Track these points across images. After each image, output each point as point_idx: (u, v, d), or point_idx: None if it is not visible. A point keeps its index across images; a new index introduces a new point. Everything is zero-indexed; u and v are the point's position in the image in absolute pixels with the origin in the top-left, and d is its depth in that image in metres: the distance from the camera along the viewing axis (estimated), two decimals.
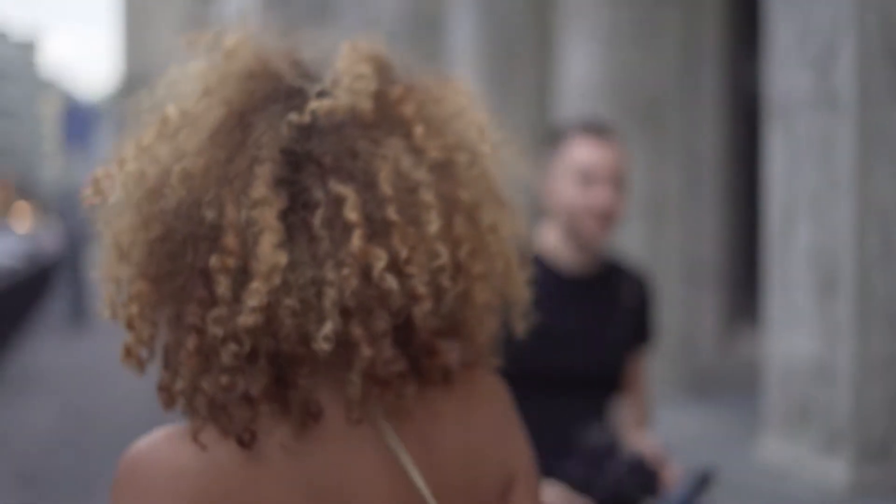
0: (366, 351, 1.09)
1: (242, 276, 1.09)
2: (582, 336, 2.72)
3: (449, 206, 1.15)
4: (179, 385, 1.12)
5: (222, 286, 1.09)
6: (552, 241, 2.71)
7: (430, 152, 1.16)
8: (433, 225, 1.12)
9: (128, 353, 1.16)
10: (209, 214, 1.10)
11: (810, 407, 5.89)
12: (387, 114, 1.17)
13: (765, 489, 5.90)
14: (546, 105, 11.21)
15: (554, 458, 2.59)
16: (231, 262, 1.09)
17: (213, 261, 1.08)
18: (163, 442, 1.13)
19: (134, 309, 1.14)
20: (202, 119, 1.15)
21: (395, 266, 1.09)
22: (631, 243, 8.65)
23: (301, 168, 1.12)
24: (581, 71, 9.04)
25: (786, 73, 6.10)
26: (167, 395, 1.14)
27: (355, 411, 1.11)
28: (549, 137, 2.75)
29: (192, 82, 1.20)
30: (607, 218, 2.65)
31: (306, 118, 1.14)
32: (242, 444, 1.10)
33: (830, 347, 5.72)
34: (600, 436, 2.60)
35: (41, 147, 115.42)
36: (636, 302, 2.83)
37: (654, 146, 8.91)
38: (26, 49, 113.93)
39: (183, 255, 1.11)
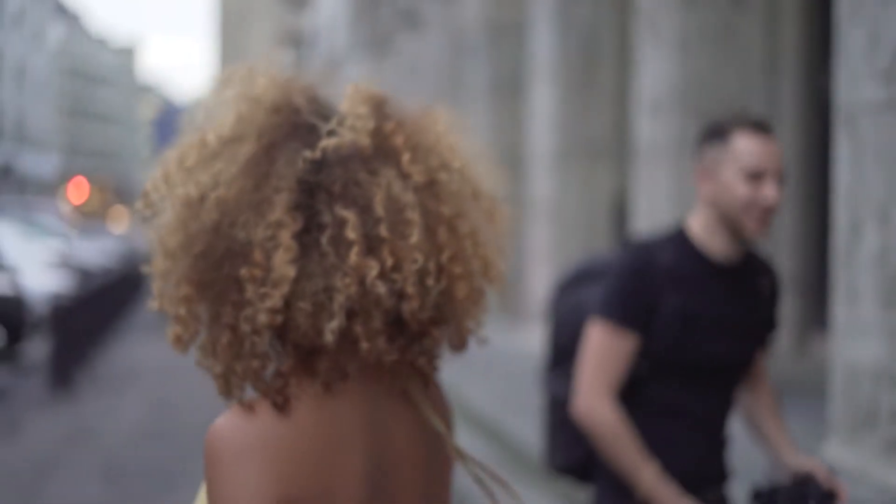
0: (364, 345, 1.39)
1: (265, 284, 1.36)
2: (729, 324, 2.79)
3: (432, 220, 1.42)
4: (217, 369, 1.42)
5: (250, 292, 1.37)
6: (702, 228, 2.80)
7: (415, 176, 1.43)
8: (415, 237, 1.38)
9: (177, 340, 1.49)
10: (241, 234, 1.37)
11: (875, 412, 5.93)
12: (382, 146, 1.45)
13: None
14: (626, 109, 11.28)
15: (691, 447, 2.72)
16: (257, 272, 1.36)
17: (244, 271, 1.36)
18: (234, 416, 1.42)
19: (182, 309, 1.44)
20: (235, 149, 1.41)
21: (384, 274, 1.37)
22: None
23: (314, 195, 1.39)
24: (654, 77, 9.11)
25: (853, 81, 6.14)
26: (222, 382, 1.44)
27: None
28: (712, 132, 2.82)
29: (228, 109, 1.45)
30: (771, 213, 2.74)
31: (318, 154, 1.40)
32: (277, 406, 1.40)
33: (895, 354, 5.75)
34: (786, 474, 2.76)
35: (138, 151, 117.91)
36: (770, 292, 2.93)
37: None
38: (125, 55, 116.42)
39: (220, 267, 1.39)
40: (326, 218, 1.37)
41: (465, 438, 8.49)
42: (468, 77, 16.71)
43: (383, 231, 1.37)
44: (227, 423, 1.41)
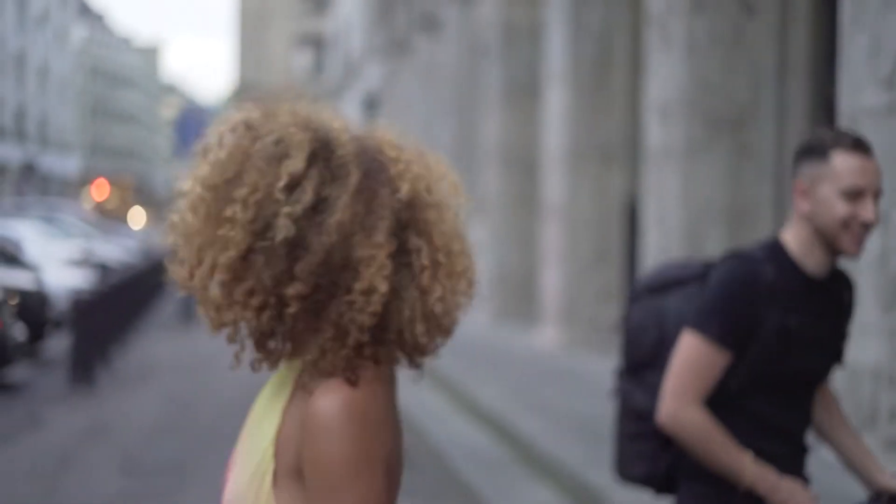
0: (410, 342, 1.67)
1: (368, 294, 1.61)
2: (820, 339, 2.81)
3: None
4: (314, 354, 1.62)
5: (357, 299, 1.61)
6: (799, 243, 2.81)
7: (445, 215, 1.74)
8: (462, 263, 1.71)
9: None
10: (352, 251, 1.62)
11: (875, 412, 6.05)
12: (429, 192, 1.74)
13: (835, 487, 6.08)
14: (638, 112, 11.39)
15: (779, 460, 2.75)
16: (366, 284, 1.61)
17: (357, 284, 1.61)
18: (348, 391, 1.59)
19: (294, 306, 1.63)
20: (344, 178, 1.65)
21: (444, 295, 1.67)
22: (715, 254, 8.83)
23: (405, 227, 1.66)
24: (664, 81, 9.23)
25: (855, 86, 6.26)
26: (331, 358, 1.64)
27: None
28: (810, 149, 2.78)
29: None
30: (869, 231, 2.75)
31: (405, 197, 1.67)
32: (350, 382, 1.59)
33: (895, 355, 5.88)
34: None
35: (160, 151, 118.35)
36: (850, 305, 2.95)
37: (740, 157, 9.05)
38: (147, 55, 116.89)
39: (331, 274, 1.62)
40: (412, 244, 1.65)
41: (475, 435, 8.64)
42: (483, 80, 16.84)
43: (441, 258, 1.67)
44: (346, 396, 1.58)
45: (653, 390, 2.86)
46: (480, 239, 17.14)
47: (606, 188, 12.32)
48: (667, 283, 2.97)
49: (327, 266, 1.61)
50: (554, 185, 12.66)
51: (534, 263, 15.05)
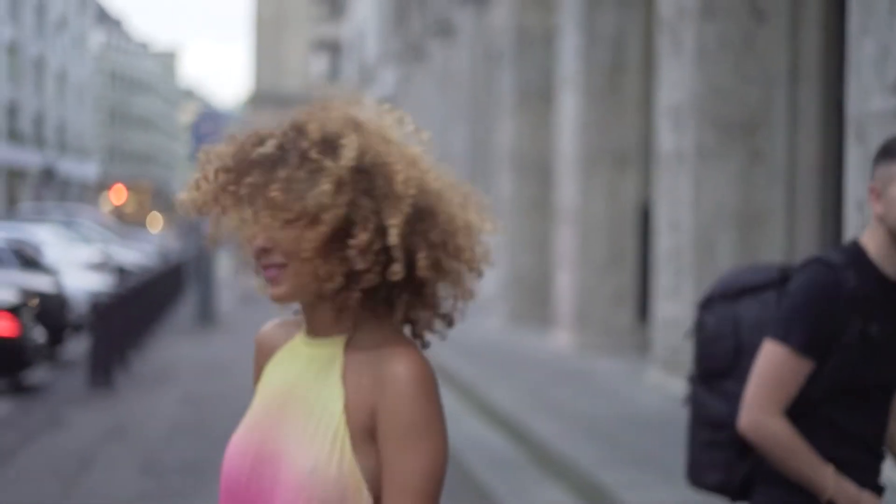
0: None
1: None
2: None
3: None
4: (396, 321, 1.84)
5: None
6: (877, 247, 2.77)
7: None
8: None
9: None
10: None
11: None
12: None
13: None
14: (651, 117, 11.48)
15: (859, 468, 2.74)
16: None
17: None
18: (420, 355, 1.76)
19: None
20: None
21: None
22: (727, 258, 8.93)
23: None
24: (675, 85, 9.32)
25: (863, 92, 6.35)
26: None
27: None
28: (883, 151, 2.76)
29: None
30: None
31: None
32: (418, 348, 1.82)
33: None
34: None
35: (177, 155, 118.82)
36: None
37: (751, 162, 9.13)
38: (165, 60, 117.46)
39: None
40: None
41: (490, 437, 8.74)
42: (497, 85, 16.95)
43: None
44: (420, 360, 1.75)
45: (730, 399, 2.81)
46: (494, 243, 17.22)
47: (620, 192, 12.42)
48: (741, 290, 2.92)
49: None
50: (567, 189, 12.75)
51: (547, 267, 15.14)
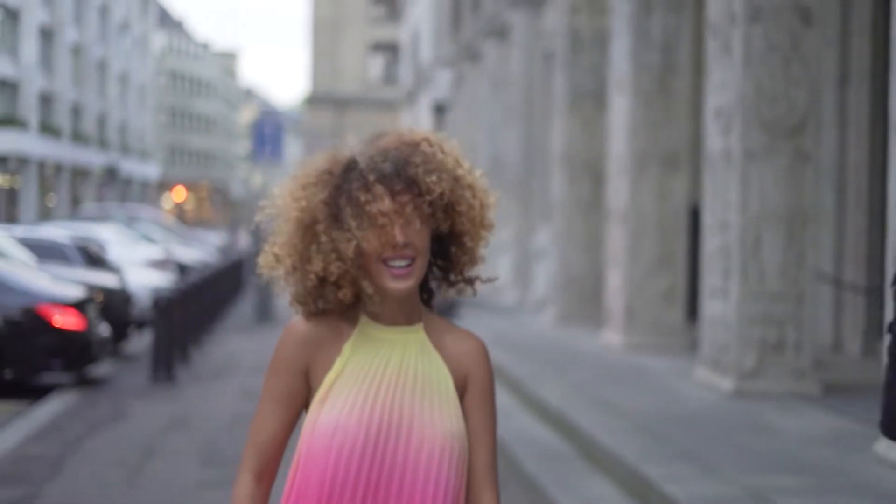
0: None
1: None
2: None
3: None
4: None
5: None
6: None
7: None
8: None
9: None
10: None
11: None
12: None
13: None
14: (701, 118, 11.60)
15: None
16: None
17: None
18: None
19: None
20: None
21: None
22: (774, 258, 9.06)
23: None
24: (723, 88, 9.46)
25: None
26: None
27: None
28: None
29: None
30: None
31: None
32: None
33: None
34: None
35: (236, 155, 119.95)
36: None
37: (798, 163, 9.24)
38: (226, 61, 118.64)
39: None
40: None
41: (539, 431, 8.95)
42: (552, 86, 17.12)
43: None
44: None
45: None
46: (546, 242, 17.40)
47: (670, 192, 12.55)
48: None
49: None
50: (618, 189, 12.89)
51: (599, 266, 15.30)
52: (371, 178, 2.16)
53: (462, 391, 2.25)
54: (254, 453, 2.25)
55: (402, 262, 2.17)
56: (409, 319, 2.25)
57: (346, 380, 2.19)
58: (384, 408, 2.16)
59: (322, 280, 2.21)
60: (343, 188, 2.19)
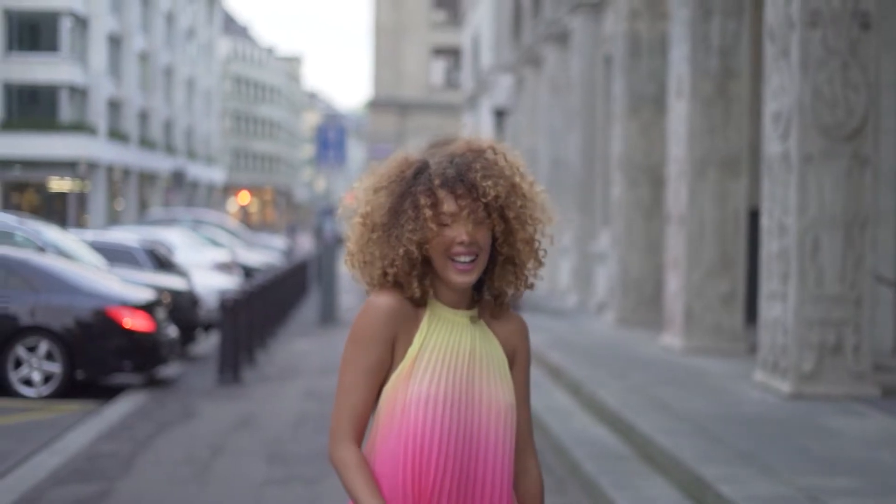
0: None
1: None
2: None
3: None
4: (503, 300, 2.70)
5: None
6: None
7: None
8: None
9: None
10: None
11: None
12: None
13: None
14: (759, 123, 11.62)
15: None
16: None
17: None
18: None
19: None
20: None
21: None
22: (832, 261, 9.10)
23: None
24: (780, 92, 9.50)
25: None
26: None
27: None
28: None
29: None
30: None
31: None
32: None
33: None
34: None
35: (301, 159, 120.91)
36: None
37: (856, 167, 9.27)
38: (290, 65, 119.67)
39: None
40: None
41: (597, 432, 9.06)
42: (612, 91, 17.19)
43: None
44: None
45: None
46: (607, 246, 17.47)
47: (729, 196, 12.58)
48: None
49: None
50: (677, 193, 12.95)
51: (658, 270, 15.36)
52: (436, 182, 2.44)
53: (510, 364, 2.58)
54: (352, 423, 2.45)
55: (467, 259, 2.44)
56: (468, 304, 2.55)
57: (426, 356, 2.46)
58: (462, 382, 2.46)
59: (389, 274, 2.49)
60: (410, 191, 2.46)
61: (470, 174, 2.44)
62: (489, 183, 2.43)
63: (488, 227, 2.46)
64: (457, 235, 2.42)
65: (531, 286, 2.58)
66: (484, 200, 2.43)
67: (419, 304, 2.49)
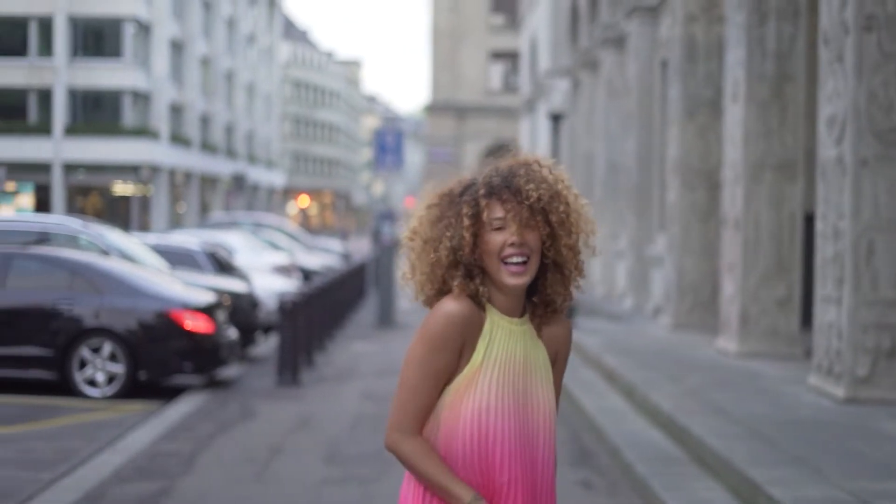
0: None
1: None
2: None
3: None
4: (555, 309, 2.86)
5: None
6: None
7: None
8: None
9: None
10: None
11: None
12: None
13: None
14: (815, 127, 11.59)
15: None
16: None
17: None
18: None
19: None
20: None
21: None
22: (887, 266, 9.08)
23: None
24: (835, 96, 9.49)
25: None
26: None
27: None
28: None
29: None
30: None
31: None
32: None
33: None
34: None
35: (360, 162, 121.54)
36: None
37: None
38: (350, 69, 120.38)
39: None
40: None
41: (651, 435, 9.12)
42: (668, 94, 17.18)
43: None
44: None
45: None
46: (662, 250, 17.46)
47: (785, 200, 12.56)
48: None
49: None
50: (733, 197, 12.94)
51: (714, 273, 15.34)
52: (481, 192, 2.64)
53: (551, 364, 2.79)
54: (417, 420, 2.65)
55: (519, 259, 2.61)
56: (521, 312, 2.71)
57: (488, 365, 2.65)
58: (519, 392, 2.66)
59: (435, 285, 2.68)
60: (455, 202, 2.66)
61: (514, 180, 2.63)
62: (531, 186, 2.61)
63: (535, 229, 2.61)
64: (507, 238, 2.59)
65: (572, 296, 2.75)
66: (528, 203, 2.60)
67: (480, 306, 2.66)
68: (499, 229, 2.61)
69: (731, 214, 12.98)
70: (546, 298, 2.72)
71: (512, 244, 2.60)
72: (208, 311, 11.73)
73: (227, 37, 65.48)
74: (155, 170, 52.62)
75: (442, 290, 2.67)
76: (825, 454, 7.47)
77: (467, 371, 2.63)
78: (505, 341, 2.67)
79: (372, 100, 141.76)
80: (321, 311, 15.52)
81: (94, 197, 53.26)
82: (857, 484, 6.60)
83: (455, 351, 2.62)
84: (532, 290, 2.72)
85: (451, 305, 2.62)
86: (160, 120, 53.68)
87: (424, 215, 2.69)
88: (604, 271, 23.59)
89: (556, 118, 21.02)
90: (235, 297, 14.14)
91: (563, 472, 8.11)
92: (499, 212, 2.61)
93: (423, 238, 2.67)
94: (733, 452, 7.52)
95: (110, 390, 11.34)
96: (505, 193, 2.61)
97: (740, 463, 7.22)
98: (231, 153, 65.40)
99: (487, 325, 2.66)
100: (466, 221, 2.61)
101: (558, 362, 2.82)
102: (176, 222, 53.71)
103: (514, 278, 2.62)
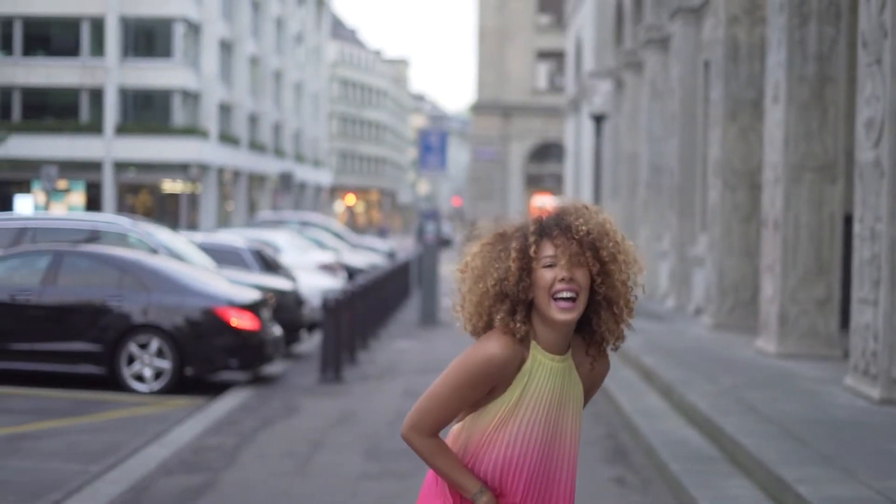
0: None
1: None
2: None
3: None
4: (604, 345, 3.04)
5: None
6: None
7: None
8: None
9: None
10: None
11: None
12: None
13: None
14: (855, 128, 11.60)
15: None
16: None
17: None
18: None
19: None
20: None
21: None
22: None
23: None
24: (873, 98, 9.52)
25: None
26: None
27: None
28: None
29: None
30: None
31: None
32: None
33: None
34: None
35: (406, 162, 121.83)
36: None
37: None
38: (398, 68, 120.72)
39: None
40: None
41: (686, 434, 9.22)
42: (710, 96, 17.21)
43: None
44: None
45: None
46: (704, 250, 17.49)
47: (825, 201, 12.57)
48: None
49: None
50: (773, 198, 12.97)
51: (754, 274, 15.36)
52: (532, 228, 2.80)
53: (584, 394, 2.96)
54: (433, 427, 2.89)
55: (569, 294, 2.74)
56: (565, 349, 2.85)
57: (525, 403, 2.82)
58: (550, 426, 2.83)
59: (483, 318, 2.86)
60: (509, 239, 2.82)
61: (564, 218, 2.80)
62: (580, 221, 2.77)
63: (585, 266, 2.75)
64: (557, 273, 2.73)
65: (623, 336, 2.89)
66: (577, 237, 2.75)
67: (525, 343, 2.81)
68: (550, 266, 2.74)
69: (771, 215, 13.01)
70: (598, 336, 2.86)
71: (562, 279, 2.73)
72: (253, 308, 11.94)
73: (276, 36, 65.97)
74: (204, 168, 53.15)
75: (489, 324, 2.82)
76: (856, 454, 7.53)
77: (502, 405, 2.81)
78: (544, 379, 2.82)
79: (419, 98, 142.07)
80: (365, 309, 15.68)
81: (144, 195, 53.90)
82: (885, 483, 6.67)
83: (488, 387, 2.81)
84: (579, 328, 2.87)
85: (493, 349, 2.77)
86: (209, 119, 54.22)
87: (478, 252, 2.84)
88: (647, 272, 23.57)
89: (598, 119, 21.08)
90: (280, 294, 14.36)
91: (597, 469, 8.24)
92: (549, 249, 2.75)
93: (473, 272, 2.83)
94: (765, 451, 7.61)
95: (157, 385, 11.58)
96: (555, 231, 2.77)
97: (770, 462, 7.31)
98: (279, 152, 65.88)
99: (528, 364, 2.80)
100: (514, 254, 2.76)
101: (591, 391, 3.00)
102: (224, 221, 54.23)
103: (563, 314, 2.74)
